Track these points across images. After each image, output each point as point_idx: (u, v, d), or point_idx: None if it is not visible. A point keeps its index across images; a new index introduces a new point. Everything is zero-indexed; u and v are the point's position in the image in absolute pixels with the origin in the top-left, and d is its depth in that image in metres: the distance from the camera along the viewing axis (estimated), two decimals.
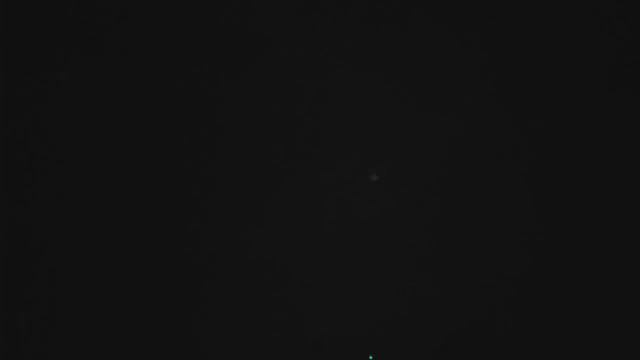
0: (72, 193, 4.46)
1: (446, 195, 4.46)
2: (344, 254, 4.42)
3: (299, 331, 4.35)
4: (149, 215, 4.45)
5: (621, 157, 4.44)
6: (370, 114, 4.49)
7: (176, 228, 4.44)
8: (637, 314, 4.32)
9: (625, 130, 4.45)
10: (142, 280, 4.39)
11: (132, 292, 4.39)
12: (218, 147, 4.50)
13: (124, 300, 4.38)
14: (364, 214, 4.45)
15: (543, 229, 4.42)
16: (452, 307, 4.36)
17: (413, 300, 4.37)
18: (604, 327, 4.33)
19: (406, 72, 4.51)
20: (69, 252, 4.42)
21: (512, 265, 4.40)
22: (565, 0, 4.50)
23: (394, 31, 4.53)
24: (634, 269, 4.36)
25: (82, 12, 4.51)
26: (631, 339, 4.31)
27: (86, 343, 4.35)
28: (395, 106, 4.48)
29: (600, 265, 4.38)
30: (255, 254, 4.41)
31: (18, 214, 4.42)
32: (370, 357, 4.26)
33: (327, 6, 4.52)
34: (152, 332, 4.36)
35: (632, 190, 4.42)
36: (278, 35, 4.55)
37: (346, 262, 4.41)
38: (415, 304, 4.36)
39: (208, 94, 4.53)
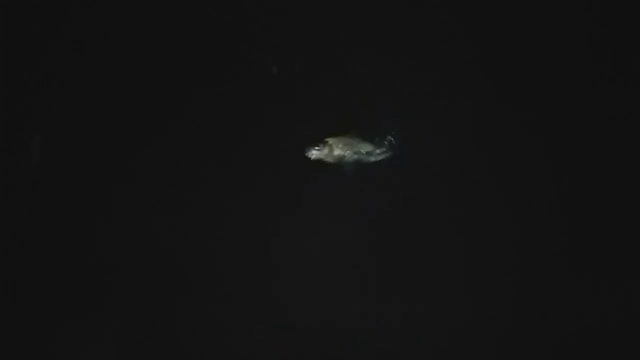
0: (73, 192, 4.48)
1: (446, 195, 4.46)
2: (342, 254, 4.41)
3: (296, 331, 4.35)
4: (146, 215, 4.46)
5: (622, 156, 4.45)
6: (370, 113, 4.49)
7: (173, 227, 4.45)
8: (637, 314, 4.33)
9: (626, 129, 4.45)
10: (140, 280, 4.40)
11: (131, 292, 4.40)
12: (217, 146, 4.52)
13: (122, 300, 4.39)
14: (363, 213, 4.45)
15: (544, 229, 4.42)
16: (450, 308, 4.35)
17: (411, 300, 4.36)
18: (605, 327, 4.32)
19: (406, 71, 4.52)
20: (68, 252, 4.43)
21: (512, 265, 4.40)
22: (566, 0, 4.53)
23: (394, 31, 4.55)
24: (635, 269, 4.36)
25: (82, 11, 4.54)
26: (632, 339, 4.30)
27: (85, 343, 4.36)
28: (395, 105, 4.49)
29: (601, 266, 4.38)
30: (250, 255, 4.42)
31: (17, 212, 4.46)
32: None
33: (327, 5, 4.54)
34: (150, 332, 4.37)
35: (633, 190, 4.43)
36: (278, 35, 4.57)
37: (344, 262, 4.41)
38: (413, 304, 4.36)
39: (207, 94, 4.54)
